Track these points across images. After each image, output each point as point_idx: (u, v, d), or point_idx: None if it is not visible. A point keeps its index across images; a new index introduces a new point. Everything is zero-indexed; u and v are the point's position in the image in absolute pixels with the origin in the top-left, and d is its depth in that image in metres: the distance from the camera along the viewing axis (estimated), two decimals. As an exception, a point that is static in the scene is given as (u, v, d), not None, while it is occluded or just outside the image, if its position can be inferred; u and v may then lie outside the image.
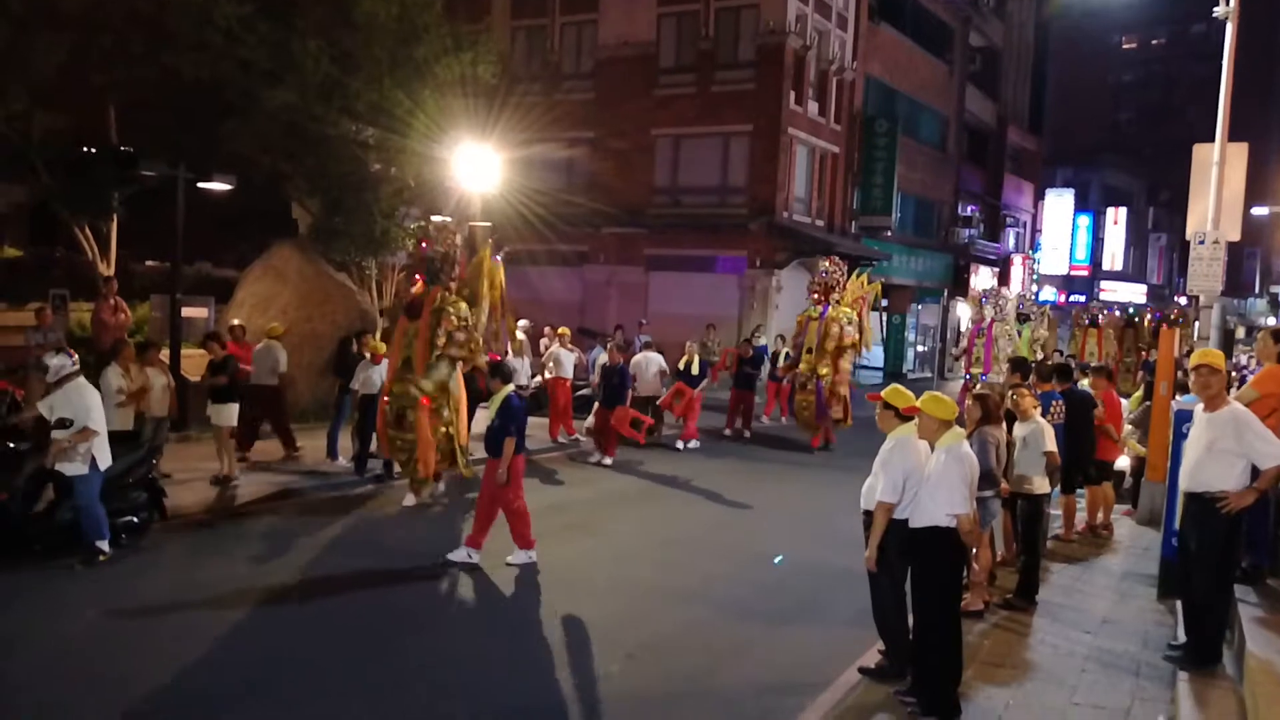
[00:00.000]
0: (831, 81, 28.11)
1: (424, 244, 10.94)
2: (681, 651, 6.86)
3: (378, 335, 13.91)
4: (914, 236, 34.32)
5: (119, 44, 13.69)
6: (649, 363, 15.70)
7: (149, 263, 18.08)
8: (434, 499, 11.12)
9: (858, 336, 16.35)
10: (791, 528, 10.79)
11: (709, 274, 26.55)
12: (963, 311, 21.49)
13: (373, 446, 11.75)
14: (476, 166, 16.12)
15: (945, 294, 33.51)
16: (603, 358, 16.62)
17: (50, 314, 13.22)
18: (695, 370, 15.81)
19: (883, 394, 6.09)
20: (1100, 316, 19.30)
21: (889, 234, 31.14)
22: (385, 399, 10.76)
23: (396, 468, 11.45)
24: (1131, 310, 22.45)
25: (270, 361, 12.32)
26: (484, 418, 14.27)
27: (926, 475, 5.65)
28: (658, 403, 15.80)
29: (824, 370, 15.95)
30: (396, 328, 10.98)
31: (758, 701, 6.04)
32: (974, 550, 6.57)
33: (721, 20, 26.59)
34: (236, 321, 13.94)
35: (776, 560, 9.14)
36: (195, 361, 14.18)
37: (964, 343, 17.20)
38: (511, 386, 8.91)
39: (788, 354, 17.49)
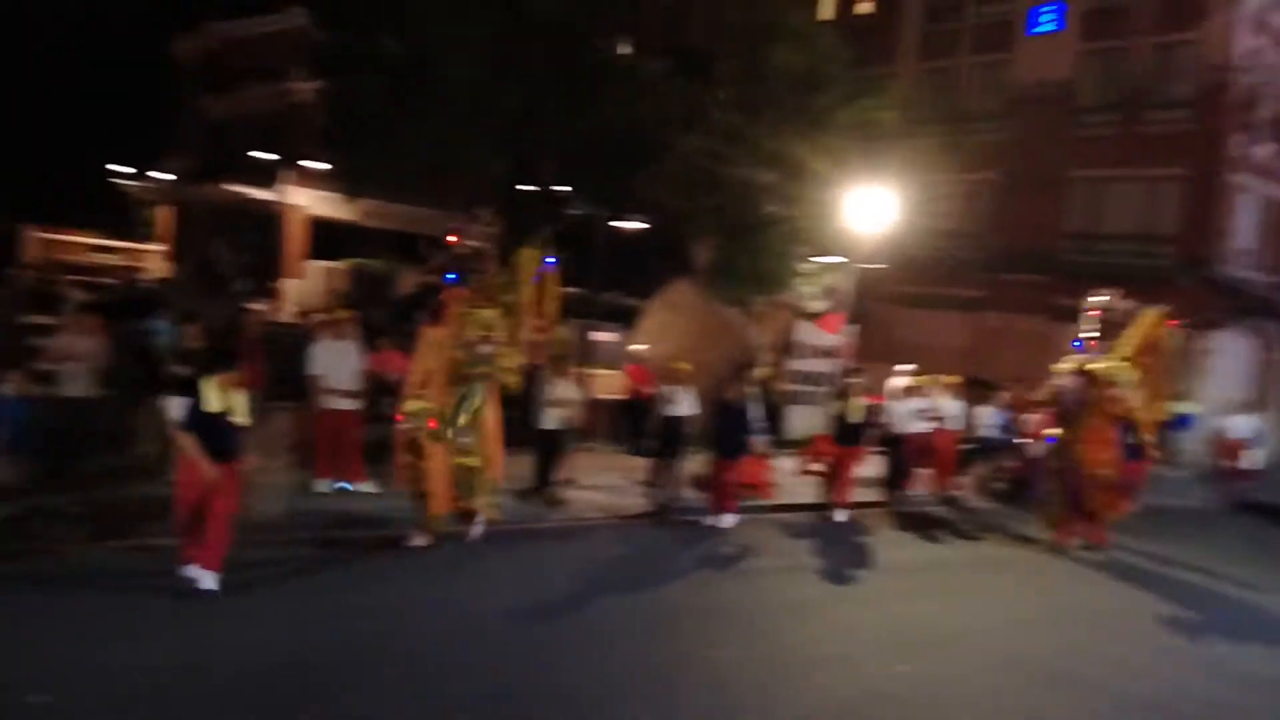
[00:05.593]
0: (1290, 119, 24.46)
1: (455, 238, 9.38)
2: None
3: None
4: (1399, 298, 28.59)
5: (561, 99, 15.71)
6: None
7: (569, 289, 20.36)
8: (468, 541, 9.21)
9: (1138, 402, 11.53)
10: (1206, 616, 9.44)
11: (1124, 329, 24.13)
12: None
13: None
14: (869, 208, 16.16)
15: None
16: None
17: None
18: (855, 418, 12.40)
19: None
20: None
21: (1362, 293, 26.27)
22: (400, 418, 9.12)
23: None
24: None
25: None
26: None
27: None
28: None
29: (1080, 448, 11.48)
30: (423, 338, 9.39)
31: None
32: None
33: (1153, 57, 24.28)
34: (639, 347, 15.38)
35: None
36: (601, 380, 15.80)
37: None
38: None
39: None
